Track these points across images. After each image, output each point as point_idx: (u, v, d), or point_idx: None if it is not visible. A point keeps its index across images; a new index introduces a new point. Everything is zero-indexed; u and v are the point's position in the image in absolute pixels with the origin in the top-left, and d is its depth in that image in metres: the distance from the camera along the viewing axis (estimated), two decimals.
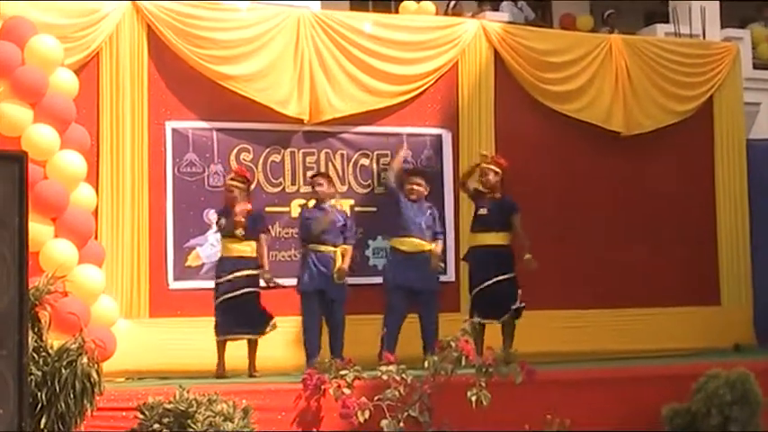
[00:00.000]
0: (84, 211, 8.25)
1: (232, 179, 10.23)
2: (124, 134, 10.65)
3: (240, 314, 9.96)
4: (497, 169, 10.60)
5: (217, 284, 10.06)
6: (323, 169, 11.28)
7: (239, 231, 9.97)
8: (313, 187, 10.34)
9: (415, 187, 10.48)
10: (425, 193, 10.56)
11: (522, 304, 10.25)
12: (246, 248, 10.05)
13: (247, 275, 10.03)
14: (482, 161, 10.68)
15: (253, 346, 10.09)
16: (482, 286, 10.36)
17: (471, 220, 10.74)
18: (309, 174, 11.01)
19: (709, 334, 12.19)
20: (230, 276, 9.96)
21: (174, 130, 10.98)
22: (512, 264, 10.41)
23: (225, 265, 10.08)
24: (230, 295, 9.93)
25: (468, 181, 10.73)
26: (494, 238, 10.49)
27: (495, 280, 10.29)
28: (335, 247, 10.12)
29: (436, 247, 10.38)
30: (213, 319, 10.04)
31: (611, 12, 15.40)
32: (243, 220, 9.96)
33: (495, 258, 10.42)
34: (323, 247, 10.07)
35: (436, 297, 10.42)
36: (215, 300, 10.01)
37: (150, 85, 10.83)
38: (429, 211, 10.52)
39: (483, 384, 8.00)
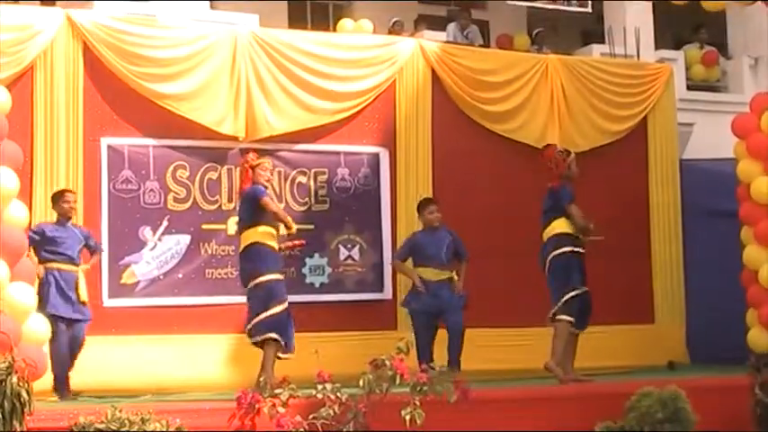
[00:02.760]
0: (16, 228, 8.11)
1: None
2: (59, 150, 10.61)
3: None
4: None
5: (275, 282, 9.55)
6: None
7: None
8: (62, 204, 9.95)
9: (430, 216, 10.77)
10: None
11: None
12: None
13: None
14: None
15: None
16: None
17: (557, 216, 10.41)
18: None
19: (643, 352, 12.31)
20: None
21: (110, 147, 10.93)
22: None
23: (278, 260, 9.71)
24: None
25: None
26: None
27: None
28: (77, 266, 9.95)
29: (464, 267, 10.75)
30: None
31: (540, 30, 15.54)
32: None
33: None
34: (65, 266, 9.86)
35: (458, 316, 10.55)
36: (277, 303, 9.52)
37: (86, 100, 10.79)
38: (449, 238, 10.76)
39: (417, 403, 7.98)
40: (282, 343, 9.40)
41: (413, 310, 10.77)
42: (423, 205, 10.97)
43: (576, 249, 10.34)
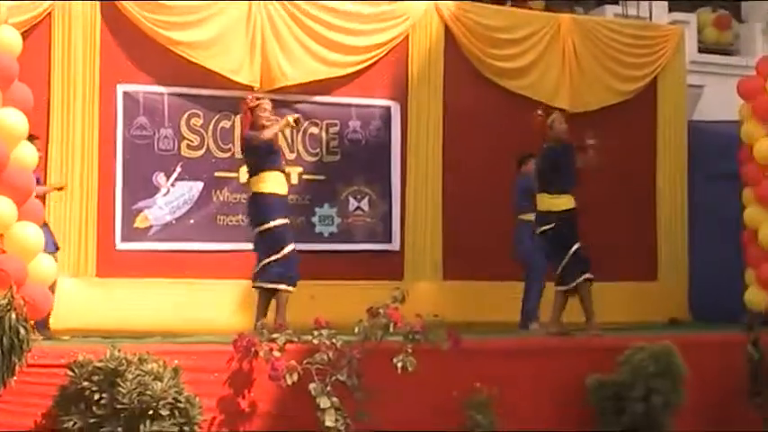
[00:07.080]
0: (24, 168, 8.20)
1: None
2: (75, 96, 10.77)
3: None
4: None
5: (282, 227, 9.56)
6: None
7: None
8: None
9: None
10: None
11: None
12: None
13: None
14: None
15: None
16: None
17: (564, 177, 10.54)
18: None
19: (645, 308, 12.42)
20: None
21: (126, 93, 11.08)
22: None
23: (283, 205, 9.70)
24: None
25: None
26: None
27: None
28: None
29: None
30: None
31: None
32: None
33: None
34: None
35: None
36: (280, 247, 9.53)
37: (102, 47, 10.92)
38: None
39: (409, 350, 8.16)
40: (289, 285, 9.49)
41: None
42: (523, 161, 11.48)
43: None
